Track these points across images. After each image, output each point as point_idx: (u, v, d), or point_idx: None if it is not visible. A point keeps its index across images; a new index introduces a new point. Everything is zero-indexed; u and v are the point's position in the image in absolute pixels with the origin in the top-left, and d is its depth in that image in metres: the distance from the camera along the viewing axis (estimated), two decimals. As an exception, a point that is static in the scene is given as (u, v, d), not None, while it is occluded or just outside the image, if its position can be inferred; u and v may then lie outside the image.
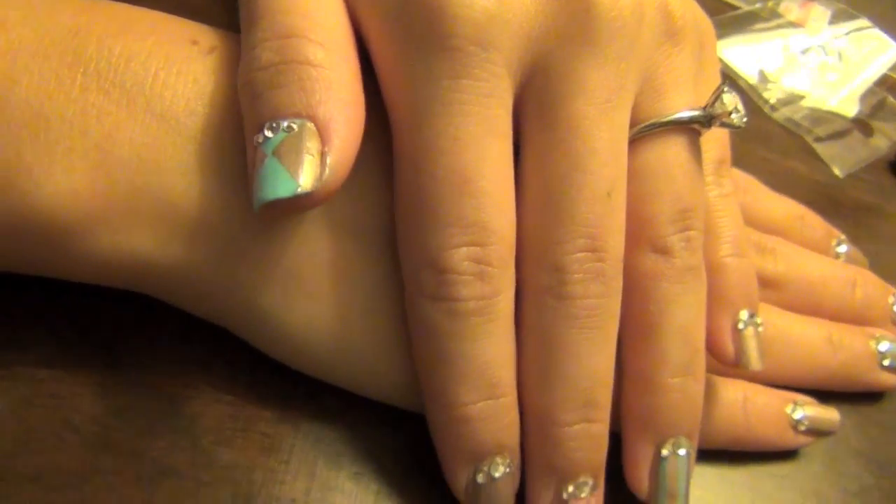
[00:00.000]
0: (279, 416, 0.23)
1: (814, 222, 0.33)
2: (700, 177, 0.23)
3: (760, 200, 0.32)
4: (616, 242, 0.22)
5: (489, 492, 0.22)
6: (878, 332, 0.30)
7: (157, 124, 0.20)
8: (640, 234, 0.23)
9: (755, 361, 0.24)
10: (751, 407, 0.26)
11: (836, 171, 0.38)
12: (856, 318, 0.30)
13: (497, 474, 0.21)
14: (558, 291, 0.21)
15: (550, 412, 0.22)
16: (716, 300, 0.24)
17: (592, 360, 0.22)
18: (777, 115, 0.40)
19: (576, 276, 0.21)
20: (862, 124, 0.41)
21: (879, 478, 0.27)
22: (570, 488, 0.22)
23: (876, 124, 0.42)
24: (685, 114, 0.23)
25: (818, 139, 0.40)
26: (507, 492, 0.22)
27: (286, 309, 0.22)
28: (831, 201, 0.37)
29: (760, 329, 0.24)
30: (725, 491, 0.25)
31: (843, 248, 0.33)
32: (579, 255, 0.21)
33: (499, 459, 0.22)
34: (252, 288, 0.21)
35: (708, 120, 0.23)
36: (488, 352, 0.21)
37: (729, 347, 0.24)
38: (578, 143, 0.21)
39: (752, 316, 0.24)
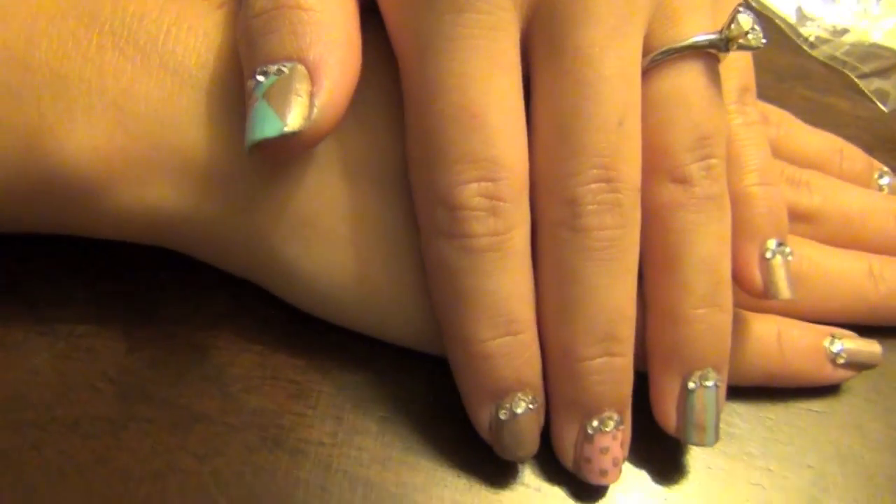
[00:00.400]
0: (307, 365, 0.23)
1: (853, 154, 0.31)
2: (720, 104, 0.23)
3: (794, 134, 0.31)
4: (631, 172, 0.21)
5: (512, 428, 0.22)
6: None
7: (171, 79, 0.21)
8: (657, 165, 0.22)
9: (784, 290, 0.23)
10: (786, 340, 0.25)
11: (882, 107, 0.37)
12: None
13: (519, 410, 0.21)
14: (573, 224, 0.21)
15: (571, 347, 0.21)
16: (741, 230, 0.23)
17: (611, 293, 0.21)
18: (817, 53, 0.39)
19: (590, 207, 0.21)
20: (911, 57, 0.40)
21: (928, 413, 0.26)
22: (595, 423, 0.22)
23: (926, 57, 0.40)
24: (700, 38, 0.22)
25: (862, 75, 0.38)
26: (531, 428, 0.22)
27: (307, 257, 0.22)
28: (877, 137, 0.35)
29: (790, 258, 0.23)
30: (760, 428, 0.24)
31: (885, 181, 0.31)
32: (592, 185, 0.21)
33: (520, 395, 0.21)
34: (272, 237, 0.22)
35: (725, 43, 0.22)
36: (504, 287, 0.21)
37: (757, 277, 0.23)
38: (587, 72, 0.21)
39: (780, 244, 0.23)
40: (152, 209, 0.21)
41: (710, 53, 0.22)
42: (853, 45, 0.39)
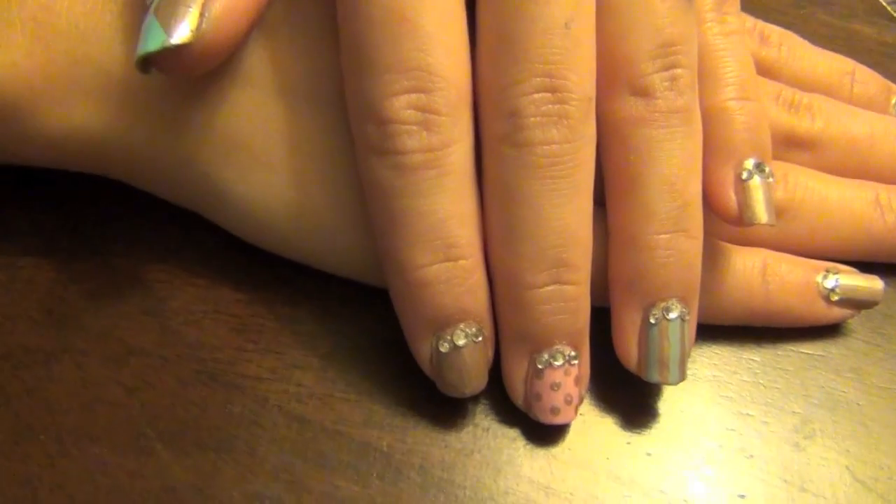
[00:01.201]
0: (251, 299, 0.22)
1: (866, 77, 0.28)
2: (688, 8, 0.20)
3: (798, 55, 0.28)
4: (581, 80, 0.19)
5: (454, 362, 0.20)
6: None
7: None
8: (616, 76, 0.20)
9: (761, 214, 0.21)
10: (771, 274, 0.23)
11: (916, 34, 0.33)
12: None
13: (461, 342, 0.20)
14: (515, 139, 0.19)
15: (517, 274, 0.20)
16: (716, 148, 0.21)
17: (559, 214, 0.19)
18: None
19: (532, 119, 0.19)
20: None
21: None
22: (545, 356, 0.20)
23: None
24: None
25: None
26: (475, 361, 0.20)
27: (241, 182, 0.21)
28: (906, 66, 0.32)
29: (771, 180, 0.21)
30: (743, 370, 0.22)
31: None
32: (536, 95, 0.19)
33: (463, 326, 0.20)
34: (204, 161, 0.21)
35: None
36: (442, 208, 0.19)
37: (731, 200, 0.21)
38: None
39: (759, 165, 0.21)
40: (80, 132, 0.20)
41: None
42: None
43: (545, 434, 0.21)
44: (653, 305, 0.20)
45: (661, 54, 0.20)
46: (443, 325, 0.20)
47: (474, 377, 0.20)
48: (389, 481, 0.20)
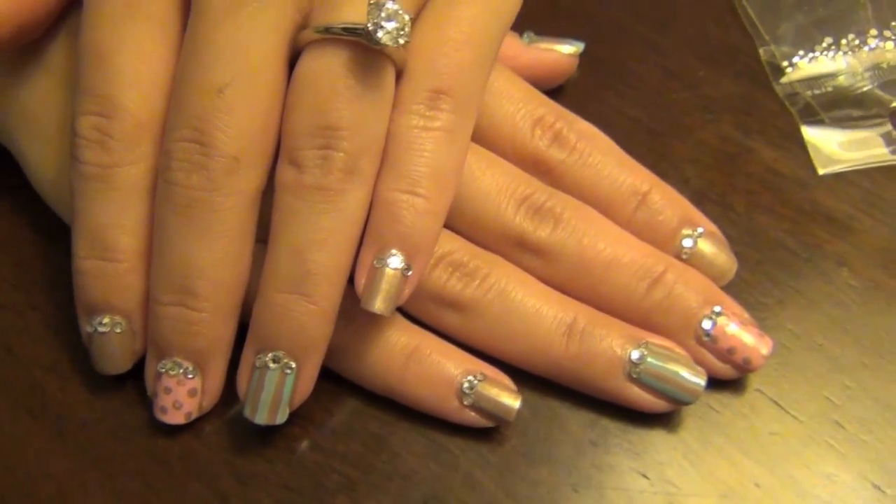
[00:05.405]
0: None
1: (661, 201, 0.28)
2: (363, 97, 0.22)
3: (589, 163, 0.27)
4: (228, 140, 0.22)
5: (97, 343, 0.25)
6: (647, 337, 0.25)
7: None
8: (283, 145, 0.23)
9: (373, 302, 0.23)
10: (416, 360, 0.25)
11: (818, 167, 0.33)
12: (643, 320, 0.26)
13: (103, 329, 0.25)
14: (165, 175, 0.23)
15: (152, 288, 0.24)
16: (367, 232, 0.23)
17: (188, 249, 0.23)
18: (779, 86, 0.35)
19: (177, 163, 0.23)
20: None
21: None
22: (164, 363, 0.24)
23: None
24: (344, 24, 0.22)
25: (814, 121, 0.34)
26: (114, 349, 0.25)
27: (29, 149, 0.27)
28: (786, 203, 0.32)
29: (409, 274, 0.23)
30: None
31: (688, 243, 0.27)
32: (184, 144, 0.22)
33: (108, 318, 0.24)
34: (12, 128, 0.27)
35: (368, 34, 0.21)
36: (104, 215, 0.24)
37: (359, 281, 0.23)
38: (201, 36, 0.22)
39: (398, 258, 0.23)
40: None
41: (361, 44, 0.22)
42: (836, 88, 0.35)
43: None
44: (261, 352, 0.23)
45: (317, 133, 0.22)
46: (91, 311, 0.25)
47: (114, 362, 0.25)
48: None
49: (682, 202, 0.28)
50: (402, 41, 0.22)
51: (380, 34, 0.22)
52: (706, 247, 0.27)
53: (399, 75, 0.24)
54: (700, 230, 0.28)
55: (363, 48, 0.22)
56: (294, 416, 0.25)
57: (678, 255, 0.27)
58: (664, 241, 0.27)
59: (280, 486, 0.26)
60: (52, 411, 0.27)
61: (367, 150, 0.23)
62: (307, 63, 0.23)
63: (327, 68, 0.22)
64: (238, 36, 0.22)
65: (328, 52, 0.22)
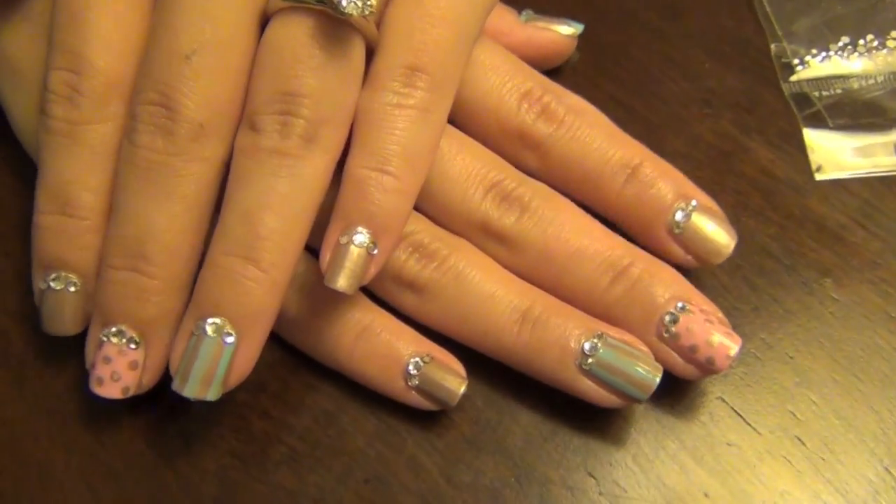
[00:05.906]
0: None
1: (652, 175, 0.26)
2: (326, 66, 0.22)
3: (577, 136, 0.26)
4: (194, 106, 0.22)
5: (46, 300, 0.24)
6: (605, 329, 0.24)
7: None
8: (245, 111, 0.23)
9: (336, 280, 0.22)
10: (366, 338, 0.25)
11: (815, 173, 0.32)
12: (605, 313, 0.25)
13: (55, 286, 0.24)
14: (131, 137, 0.23)
15: (105, 250, 0.23)
16: (335, 209, 0.23)
17: (144, 212, 0.22)
18: (787, 85, 0.34)
19: (142, 125, 0.22)
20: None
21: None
22: (108, 330, 0.23)
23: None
24: None
25: (816, 124, 0.33)
26: (65, 308, 0.24)
27: (12, 98, 0.27)
28: (775, 207, 0.31)
29: (375, 253, 0.22)
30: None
31: (681, 217, 0.26)
32: (150, 107, 0.22)
33: (63, 274, 0.24)
34: None
35: (332, 3, 0.21)
36: (68, 171, 0.24)
37: (324, 257, 0.23)
38: (168, 2, 0.22)
39: (364, 235, 0.22)
40: None
41: (327, 13, 0.22)
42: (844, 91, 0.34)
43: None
44: (200, 319, 0.22)
45: (277, 99, 0.22)
46: (46, 267, 0.24)
47: (63, 321, 0.24)
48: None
49: (676, 175, 0.27)
50: (367, 12, 0.22)
51: (344, 3, 0.21)
52: (700, 221, 0.26)
53: (372, 52, 0.24)
54: (694, 203, 0.26)
55: (329, 17, 0.22)
56: (248, 383, 0.24)
57: (670, 231, 0.26)
58: (656, 216, 0.26)
59: (226, 452, 0.26)
60: (14, 358, 0.27)
61: (330, 119, 0.22)
62: (273, 30, 0.22)
63: (292, 35, 0.22)
64: (208, 3, 0.22)
65: (294, 19, 0.22)
